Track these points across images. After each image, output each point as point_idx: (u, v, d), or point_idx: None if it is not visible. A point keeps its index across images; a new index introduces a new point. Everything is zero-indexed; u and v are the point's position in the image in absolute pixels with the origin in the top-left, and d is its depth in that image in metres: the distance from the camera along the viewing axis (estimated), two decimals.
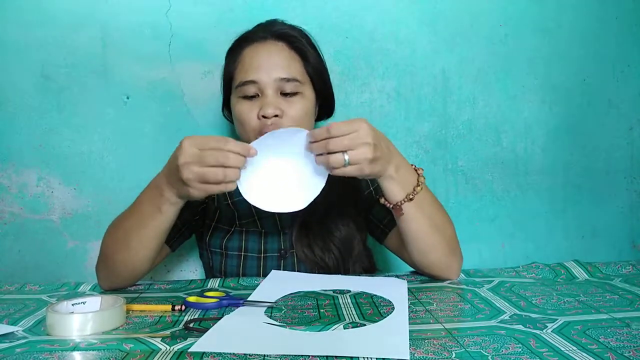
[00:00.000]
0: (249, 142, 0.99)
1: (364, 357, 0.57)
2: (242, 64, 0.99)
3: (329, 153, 0.79)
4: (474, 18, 1.36)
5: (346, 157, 0.78)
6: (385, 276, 0.95)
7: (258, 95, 0.96)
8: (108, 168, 1.29)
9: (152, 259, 0.92)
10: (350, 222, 1.05)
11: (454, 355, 0.57)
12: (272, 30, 1.01)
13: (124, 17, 1.26)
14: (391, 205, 0.87)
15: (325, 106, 1.09)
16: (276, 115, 0.94)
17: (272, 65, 0.96)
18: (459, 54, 1.36)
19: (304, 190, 0.84)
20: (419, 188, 0.87)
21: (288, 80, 0.96)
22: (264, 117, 0.94)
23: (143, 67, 1.28)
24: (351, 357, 0.57)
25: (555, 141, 1.41)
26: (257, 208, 1.04)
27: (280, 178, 0.84)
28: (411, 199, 0.86)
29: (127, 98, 1.28)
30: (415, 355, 0.58)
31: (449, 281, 0.91)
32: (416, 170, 0.90)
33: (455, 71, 1.37)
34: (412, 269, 1.00)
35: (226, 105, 1.06)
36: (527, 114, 1.40)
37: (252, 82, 0.96)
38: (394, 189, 0.86)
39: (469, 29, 1.36)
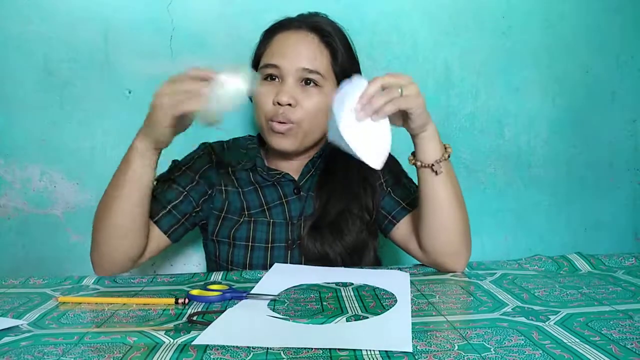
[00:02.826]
0: (260, 125, 1.03)
1: (366, 350, 0.57)
2: (270, 47, 1.02)
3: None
4: (476, 10, 1.35)
5: (400, 88, 0.81)
6: (388, 269, 0.96)
7: (278, 80, 0.99)
8: (110, 163, 1.27)
9: (138, 229, 0.92)
10: (364, 229, 1.04)
11: (456, 348, 0.58)
12: (308, 21, 1.03)
13: (125, 11, 1.26)
14: (430, 163, 0.88)
15: None
16: (289, 104, 0.96)
17: (298, 54, 0.99)
18: (461, 46, 1.36)
19: (376, 146, 0.83)
20: (450, 149, 0.91)
21: (310, 71, 0.98)
22: (278, 103, 0.96)
23: (145, 61, 1.28)
24: (354, 350, 0.57)
25: (558, 134, 1.41)
26: (267, 198, 1.05)
27: (359, 124, 0.81)
28: (446, 159, 0.89)
29: (129, 92, 1.29)
30: (418, 347, 0.58)
31: (451, 274, 0.92)
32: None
33: (457, 64, 1.36)
34: (415, 262, 1.00)
35: None
36: (529, 107, 1.39)
37: (275, 66, 0.99)
38: (435, 146, 0.89)
39: (472, 21, 1.35)
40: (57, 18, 1.25)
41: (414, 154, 0.92)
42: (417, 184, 0.94)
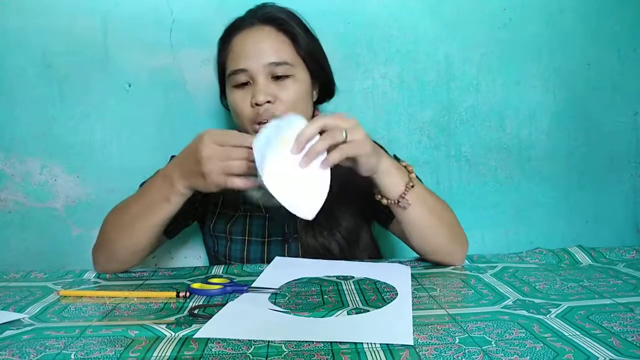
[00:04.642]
0: (245, 131, 0.99)
1: (367, 343, 0.57)
2: (232, 52, 0.98)
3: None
4: (477, 3, 1.34)
5: (344, 132, 0.77)
6: (389, 262, 0.96)
7: (250, 83, 0.96)
8: (110, 156, 1.29)
9: (152, 245, 0.94)
10: (358, 212, 1.04)
11: (457, 341, 0.58)
12: (259, 15, 0.99)
13: (124, 4, 1.26)
14: (396, 200, 0.86)
15: (325, 87, 1.07)
16: (268, 102, 0.93)
17: (260, 51, 0.95)
18: (462, 39, 1.35)
19: (311, 196, 0.77)
20: (413, 175, 0.87)
21: (278, 64, 0.95)
22: (256, 104, 0.93)
23: (144, 54, 1.27)
24: (355, 343, 0.58)
25: (559, 127, 1.40)
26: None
27: (293, 171, 0.77)
28: (412, 186, 0.86)
29: (129, 86, 1.28)
30: (419, 340, 0.58)
31: (452, 267, 0.92)
32: (399, 162, 0.90)
33: (458, 57, 1.35)
34: (416, 255, 1.00)
35: (223, 94, 1.06)
36: (530, 100, 1.39)
37: (242, 70, 0.95)
38: (394, 181, 0.86)
39: (472, 14, 1.35)
40: (56, 11, 1.24)
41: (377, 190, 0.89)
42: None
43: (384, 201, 0.88)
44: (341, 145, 0.78)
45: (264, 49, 0.95)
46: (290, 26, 0.98)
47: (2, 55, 1.24)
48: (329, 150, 0.78)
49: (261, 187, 0.76)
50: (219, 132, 0.81)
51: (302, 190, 0.76)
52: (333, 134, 0.77)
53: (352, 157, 0.80)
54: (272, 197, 0.76)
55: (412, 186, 0.86)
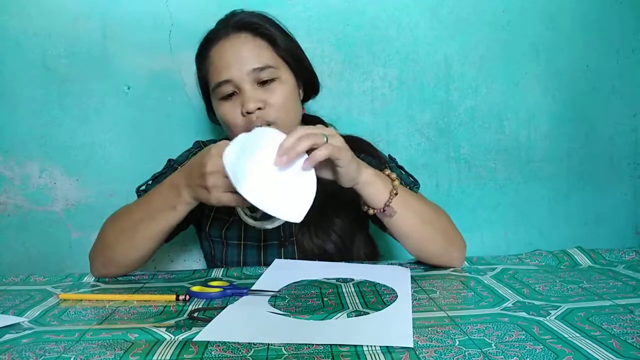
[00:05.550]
0: None
1: (367, 346, 0.57)
2: (212, 65, 0.97)
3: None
4: (476, 4, 1.35)
5: (324, 137, 0.78)
6: (389, 264, 0.96)
7: (236, 93, 0.95)
8: (110, 159, 1.29)
9: (153, 251, 0.93)
10: (351, 211, 1.04)
11: (457, 343, 0.58)
12: (232, 24, 0.98)
13: (124, 7, 1.26)
14: (381, 209, 0.86)
15: (309, 85, 1.07)
16: (259, 108, 0.93)
17: (241, 58, 0.94)
18: (461, 40, 1.35)
19: (298, 200, 0.77)
20: (396, 182, 0.86)
21: (261, 69, 0.94)
22: (247, 113, 0.93)
23: (144, 57, 1.27)
24: (355, 346, 0.57)
25: (558, 128, 1.40)
26: None
27: (274, 178, 0.77)
28: (396, 194, 0.86)
29: (128, 88, 1.28)
30: (419, 343, 0.58)
31: (452, 269, 0.92)
32: (382, 171, 0.89)
33: (457, 58, 1.36)
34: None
35: (210, 110, 1.05)
36: (530, 101, 1.39)
37: (227, 81, 0.94)
38: (377, 190, 0.85)
39: (472, 16, 1.35)
40: (56, 14, 1.24)
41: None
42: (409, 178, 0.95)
43: (370, 211, 0.87)
44: (324, 145, 0.78)
45: (245, 56, 0.94)
46: (266, 29, 0.97)
47: (2, 57, 1.25)
48: (310, 152, 0.78)
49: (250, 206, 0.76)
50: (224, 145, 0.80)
51: (287, 194, 0.76)
52: (314, 136, 0.78)
53: (332, 164, 0.80)
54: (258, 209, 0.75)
55: (396, 193, 0.86)
